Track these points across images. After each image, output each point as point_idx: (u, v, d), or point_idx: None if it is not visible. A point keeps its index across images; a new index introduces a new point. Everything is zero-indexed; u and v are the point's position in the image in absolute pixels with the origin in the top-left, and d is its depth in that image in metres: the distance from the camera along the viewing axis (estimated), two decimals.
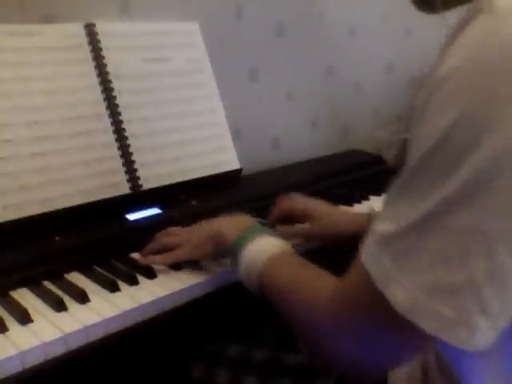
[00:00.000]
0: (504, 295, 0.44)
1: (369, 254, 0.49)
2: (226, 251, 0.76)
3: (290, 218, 0.94)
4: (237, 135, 1.23)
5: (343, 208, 1.02)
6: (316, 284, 0.59)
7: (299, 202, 0.95)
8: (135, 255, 0.86)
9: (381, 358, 0.52)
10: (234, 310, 0.83)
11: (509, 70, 0.42)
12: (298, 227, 0.93)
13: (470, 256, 0.43)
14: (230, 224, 0.78)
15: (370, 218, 0.88)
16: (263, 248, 0.70)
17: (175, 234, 0.85)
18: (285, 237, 0.89)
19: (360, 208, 1.11)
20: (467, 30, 0.45)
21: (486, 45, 0.44)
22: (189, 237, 0.82)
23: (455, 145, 0.43)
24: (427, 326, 0.44)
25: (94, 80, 1.00)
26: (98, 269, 0.82)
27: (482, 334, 0.44)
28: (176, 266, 0.81)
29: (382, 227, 0.49)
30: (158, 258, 0.81)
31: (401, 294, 0.45)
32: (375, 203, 1.13)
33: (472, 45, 0.44)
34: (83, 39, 1.00)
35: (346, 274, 0.53)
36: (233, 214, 0.83)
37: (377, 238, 0.49)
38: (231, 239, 0.74)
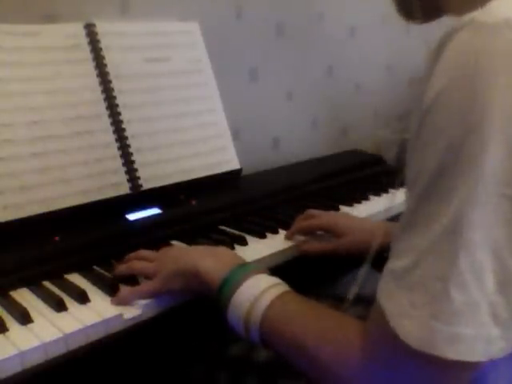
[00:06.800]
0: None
1: (386, 295, 0.49)
2: (202, 290, 0.69)
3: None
4: (237, 135, 1.23)
5: (367, 219, 1.00)
6: (339, 335, 0.55)
7: (322, 219, 0.93)
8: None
9: None
10: None
11: (486, 88, 0.42)
12: (324, 240, 0.91)
13: (483, 272, 0.44)
14: (209, 261, 0.70)
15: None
16: (261, 289, 0.62)
17: (147, 259, 0.78)
18: (309, 249, 0.90)
19: (362, 208, 1.11)
20: (448, 48, 0.45)
21: (464, 63, 0.44)
22: (160, 267, 0.74)
23: (449, 173, 0.44)
24: (447, 352, 0.44)
25: (94, 80, 1.00)
26: (98, 269, 0.82)
27: (496, 345, 0.45)
28: None
29: (395, 263, 0.49)
30: (126, 292, 0.73)
31: (414, 328, 0.46)
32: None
33: (452, 64, 0.45)
34: (83, 39, 1.00)
35: (368, 319, 0.53)
36: (209, 247, 0.78)
37: (393, 276, 0.49)
38: (215, 281, 0.66)
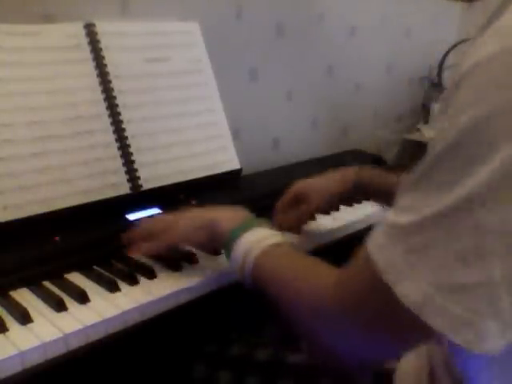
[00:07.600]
0: None
1: (378, 246, 0.47)
2: (219, 242, 0.75)
3: (295, 206, 0.96)
4: (237, 135, 1.23)
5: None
6: (317, 273, 0.59)
7: (298, 186, 0.97)
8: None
9: (381, 347, 0.52)
10: (235, 310, 0.83)
11: None
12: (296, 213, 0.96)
13: (488, 256, 0.41)
14: (226, 215, 0.76)
15: (358, 174, 0.93)
16: (259, 238, 0.69)
17: (162, 220, 0.83)
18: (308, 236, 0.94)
19: (360, 207, 1.12)
20: (506, 13, 0.42)
21: None
22: (177, 223, 0.79)
23: (485, 137, 0.41)
24: (434, 323, 0.43)
25: (94, 80, 1.00)
26: (98, 269, 0.82)
27: (491, 339, 0.43)
28: (176, 266, 0.81)
29: (396, 218, 0.47)
30: (144, 246, 0.79)
31: (411, 289, 0.44)
32: None
33: (508, 30, 0.42)
34: (83, 39, 1.00)
35: (349, 263, 0.52)
36: (228, 207, 0.80)
37: (390, 230, 0.47)
38: (227, 231, 0.72)
